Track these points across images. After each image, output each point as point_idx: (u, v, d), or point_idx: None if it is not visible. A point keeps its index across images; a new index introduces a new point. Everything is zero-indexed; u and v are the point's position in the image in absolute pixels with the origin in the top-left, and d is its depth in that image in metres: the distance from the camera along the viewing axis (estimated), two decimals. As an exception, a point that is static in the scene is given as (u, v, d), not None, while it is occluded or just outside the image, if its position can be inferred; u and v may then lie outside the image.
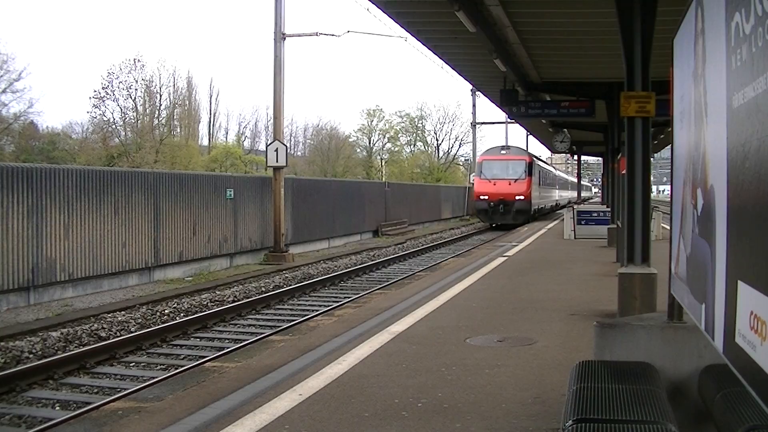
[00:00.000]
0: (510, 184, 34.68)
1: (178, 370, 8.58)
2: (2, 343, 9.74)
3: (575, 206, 29.44)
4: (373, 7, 12.39)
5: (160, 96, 50.12)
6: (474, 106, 43.61)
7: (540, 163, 42.83)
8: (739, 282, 2.27)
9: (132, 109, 47.91)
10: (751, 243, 2.11)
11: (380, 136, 73.59)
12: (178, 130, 52.29)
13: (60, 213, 13.91)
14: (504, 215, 34.50)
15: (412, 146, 77.09)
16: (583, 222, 22.46)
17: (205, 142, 60.07)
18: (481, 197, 35.07)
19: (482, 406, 5.17)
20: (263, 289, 15.69)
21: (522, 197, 34.46)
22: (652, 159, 8.31)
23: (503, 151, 36.81)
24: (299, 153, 69.31)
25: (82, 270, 14.49)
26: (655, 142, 29.54)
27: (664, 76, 4.74)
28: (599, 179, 75.43)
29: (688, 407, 4.01)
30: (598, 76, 16.83)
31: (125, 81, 46.78)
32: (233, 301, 13.87)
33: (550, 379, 5.86)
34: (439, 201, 44.54)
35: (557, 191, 55.06)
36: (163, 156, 45.15)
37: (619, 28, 7.78)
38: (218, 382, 5.89)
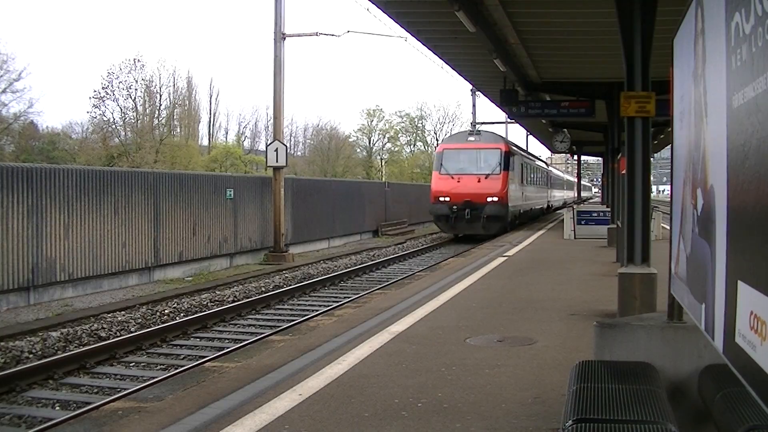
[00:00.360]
0: (479, 182, 26.38)
1: (178, 370, 8.57)
2: (2, 343, 9.74)
3: (575, 206, 29.23)
4: (373, 7, 12.42)
5: (160, 96, 50.23)
6: (474, 106, 43.32)
7: (522, 153, 33.78)
8: (739, 282, 2.26)
9: (132, 109, 48.02)
10: (751, 243, 2.10)
11: (380, 136, 73.71)
12: (178, 130, 52.36)
13: (60, 213, 13.91)
14: (471, 223, 26.16)
15: (412, 146, 77.22)
16: (582, 222, 22.46)
17: (205, 142, 60.17)
18: (441, 199, 26.58)
19: (482, 406, 5.17)
20: (263, 289, 15.69)
21: (495, 198, 26.05)
22: (652, 159, 8.31)
23: (471, 138, 28.08)
24: (299, 153, 69.36)
25: (82, 270, 14.49)
26: (655, 142, 29.54)
27: (664, 76, 4.75)
28: (599, 179, 75.40)
29: (688, 407, 4.01)
30: (598, 76, 16.86)
31: (125, 81, 46.93)
32: (233, 301, 13.86)
33: (550, 379, 5.86)
34: (439, 201, 44.48)
35: (548, 190, 45.73)
36: (163, 156, 45.19)
37: (619, 28, 7.78)
38: (218, 382, 5.89)
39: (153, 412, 5.08)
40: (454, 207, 26.18)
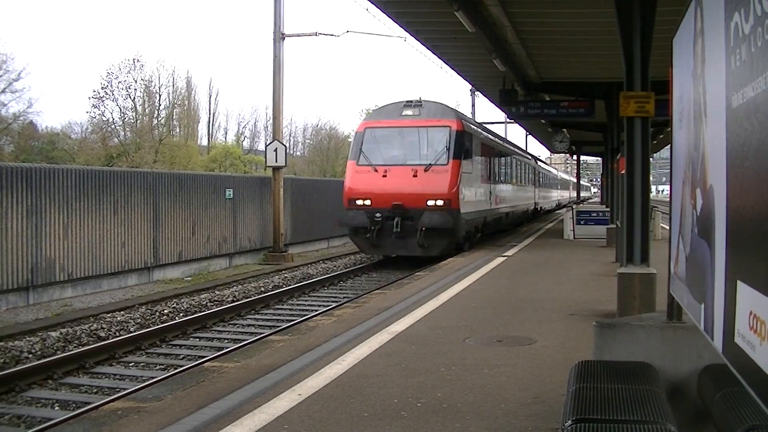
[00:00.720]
0: (416, 176, 17.88)
1: (177, 370, 8.57)
2: (1, 343, 9.74)
3: (574, 206, 28.98)
4: (372, 7, 12.43)
5: (160, 96, 50.25)
6: (473, 106, 43.21)
7: (489, 137, 23.84)
8: (739, 282, 2.26)
9: (131, 109, 48.03)
10: (751, 243, 2.10)
11: (379, 135, 73.48)
12: (178, 130, 52.38)
13: (59, 213, 13.90)
14: (403, 238, 17.74)
15: (411, 146, 76.98)
16: (582, 222, 22.49)
17: (205, 142, 60.19)
18: (358, 202, 18.22)
19: (481, 406, 5.17)
20: (262, 289, 15.68)
21: (440, 201, 17.62)
22: (651, 159, 8.32)
23: (408, 111, 19.06)
24: (298, 153, 69.37)
25: (82, 270, 14.48)
26: (655, 142, 29.57)
27: (664, 76, 4.75)
28: (598, 179, 75.35)
29: (687, 407, 4.01)
30: (597, 76, 16.87)
31: (124, 81, 46.96)
32: (232, 301, 13.86)
33: (549, 378, 5.86)
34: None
35: (535, 190, 36.44)
36: (162, 156, 45.19)
37: (618, 28, 7.79)
38: (217, 382, 5.89)
39: (152, 412, 5.08)
40: (378, 215, 17.75)
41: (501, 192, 24.28)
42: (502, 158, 25.59)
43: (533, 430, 4.66)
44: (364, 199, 18.19)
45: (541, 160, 46.51)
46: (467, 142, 18.94)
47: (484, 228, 21.45)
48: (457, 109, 21.84)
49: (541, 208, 39.72)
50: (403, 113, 19.04)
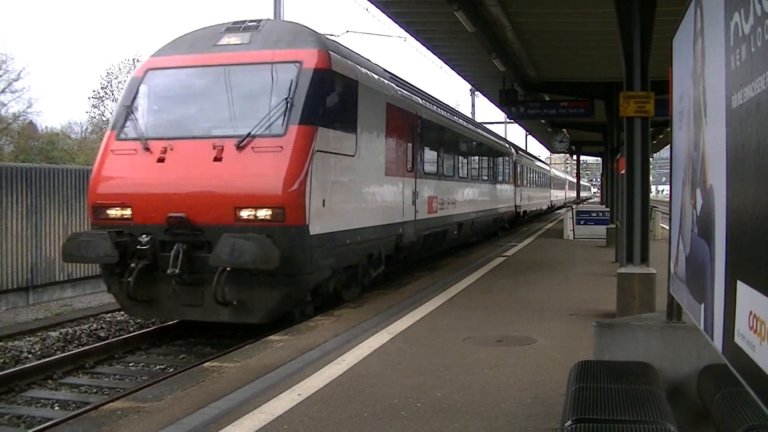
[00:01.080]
0: (219, 161, 8.58)
1: (177, 370, 8.56)
2: (1, 343, 9.74)
3: (574, 206, 28.90)
4: (372, 8, 12.42)
5: (159, 96, 50.19)
6: (473, 105, 43.19)
7: (410, 96, 13.61)
8: (738, 282, 2.26)
9: (131, 108, 47.99)
10: (751, 243, 2.10)
11: (379, 135, 73.34)
12: (177, 130, 52.33)
13: (59, 213, 13.91)
14: (193, 290, 8.62)
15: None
16: (582, 222, 22.49)
17: (205, 142, 60.09)
18: (110, 212, 8.92)
19: (481, 406, 5.16)
20: (262, 289, 15.64)
21: (265, 210, 8.34)
22: (651, 159, 8.32)
23: (231, 38, 9.76)
24: (298, 153, 69.16)
25: (82, 270, 14.48)
26: (654, 141, 29.56)
27: (664, 76, 4.75)
28: (598, 179, 75.37)
29: (687, 407, 4.01)
30: (597, 76, 16.86)
31: (124, 81, 46.94)
32: (232, 301, 13.83)
33: (549, 378, 5.86)
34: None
35: (515, 189, 28.27)
36: (162, 156, 45.16)
37: (618, 28, 7.79)
38: (217, 382, 5.89)
39: (152, 412, 5.08)
40: (144, 237, 8.74)
41: (445, 192, 15.84)
42: (449, 139, 16.75)
43: (533, 430, 4.66)
44: (120, 208, 9.08)
45: (523, 150, 37.06)
46: (344, 92, 9.96)
47: (400, 252, 12.71)
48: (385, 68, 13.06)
49: (524, 212, 31.37)
50: (222, 42, 9.95)
